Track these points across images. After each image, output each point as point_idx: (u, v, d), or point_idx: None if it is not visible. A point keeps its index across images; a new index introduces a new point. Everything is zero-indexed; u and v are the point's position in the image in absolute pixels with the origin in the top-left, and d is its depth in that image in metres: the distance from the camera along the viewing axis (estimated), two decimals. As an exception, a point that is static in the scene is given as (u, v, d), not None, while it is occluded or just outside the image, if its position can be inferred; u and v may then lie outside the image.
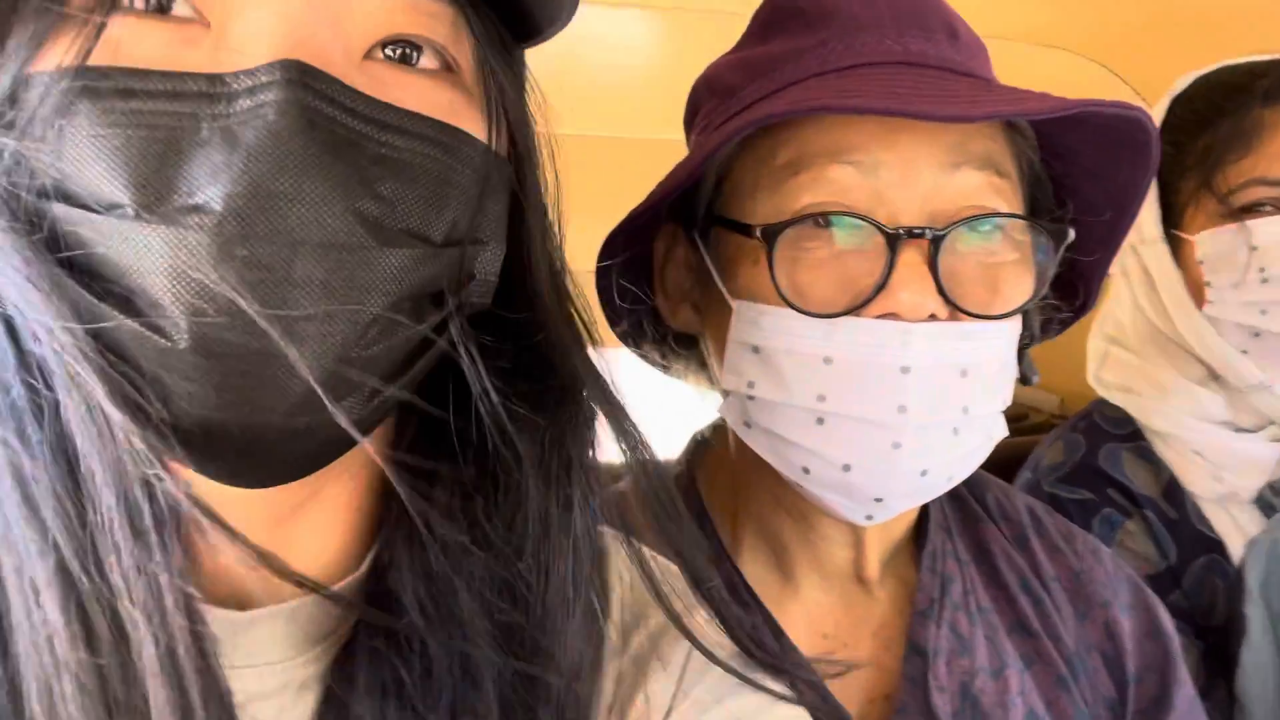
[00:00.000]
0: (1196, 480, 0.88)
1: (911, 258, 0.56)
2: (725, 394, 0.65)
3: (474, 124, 0.38)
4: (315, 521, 0.41)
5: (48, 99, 0.32)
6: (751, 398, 0.61)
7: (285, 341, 0.32)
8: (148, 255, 0.31)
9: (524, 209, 0.41)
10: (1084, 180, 0.64)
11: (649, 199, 0.64)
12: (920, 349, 0.56)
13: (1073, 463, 0.92)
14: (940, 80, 0.59)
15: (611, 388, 0.44)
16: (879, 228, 0.56)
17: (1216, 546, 0.86)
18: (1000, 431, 0.63)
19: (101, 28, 0.33)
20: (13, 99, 0.33)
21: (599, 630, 0.44)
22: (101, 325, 0.32)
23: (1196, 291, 0.89)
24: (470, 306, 0.40)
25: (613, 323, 0.72)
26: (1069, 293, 0.69)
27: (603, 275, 0.68)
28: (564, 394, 0.42)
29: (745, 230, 0.60)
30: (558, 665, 0.40)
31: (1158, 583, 0.85)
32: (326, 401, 0.33)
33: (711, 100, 0.67)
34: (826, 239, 0.58)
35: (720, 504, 0.72)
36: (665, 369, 0.75)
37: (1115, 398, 0.95)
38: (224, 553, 0.37)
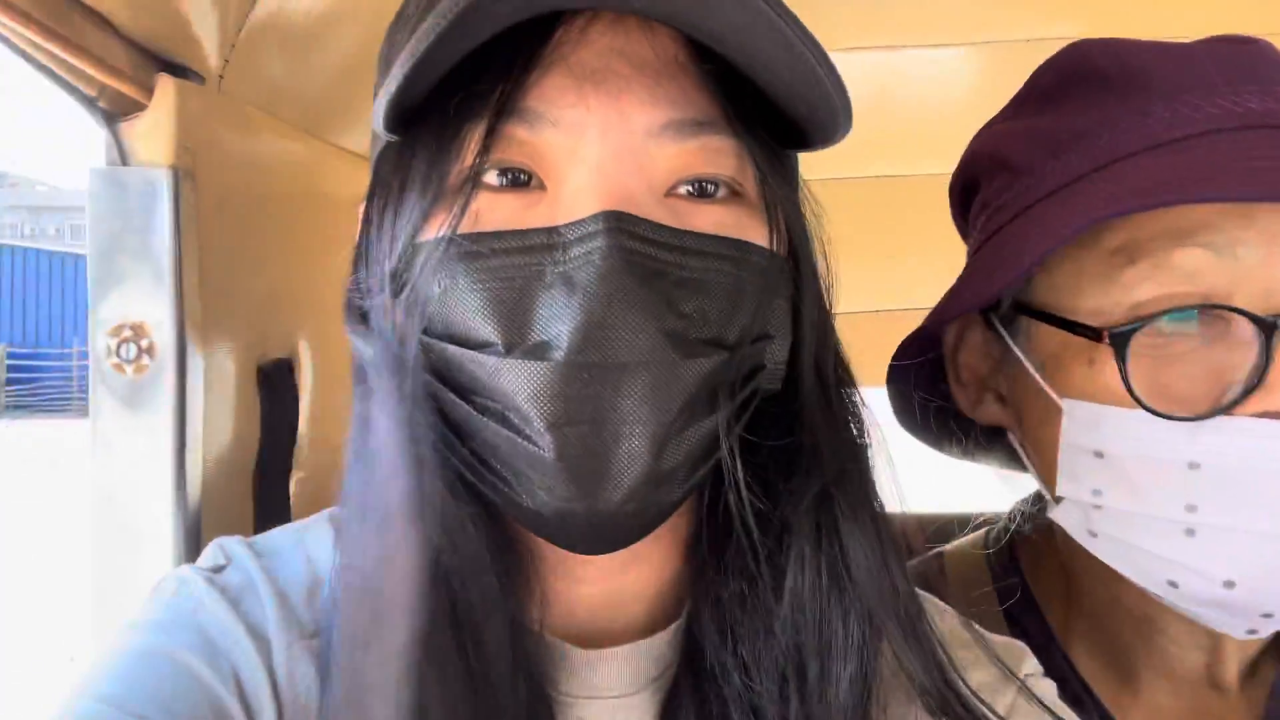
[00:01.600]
0: None
1: None
2: (1059, 499, 0.59)
3: (758, 234, 0.45)
4: (639, 578, 0.49)
5: (432, 261, 0.42)
6: (1098, 506, 0.56)
7: (617, 446, 0.40)
8: (515, 382, 0.41)
9: (800, 300, 0.47)
10: None
11: (953, 301, 0.60)
12: None
13: None
14: None
15: (869, 483, 0.48)
16: (1251, 318, 0.50)
17: None
18: None
19: (468, 204, 0.42)
20: (407, 261, 0.43)
21: (870, 689, 0.47)
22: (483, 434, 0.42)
23: None
24: (763, 392, 0.47)
25: (905, 424, 0.70)
26: None
27: (896, 376, 0.67)
28: (823, 487, 0.47)
29: (1076, 328, 0.55)
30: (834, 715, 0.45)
31: None
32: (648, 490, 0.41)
33: (999, 178, 0.62)
34: (1182, 334, 0.52)
35: (1048, 589, 0.67)
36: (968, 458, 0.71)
37: None
38: (578, 601, 0.48)
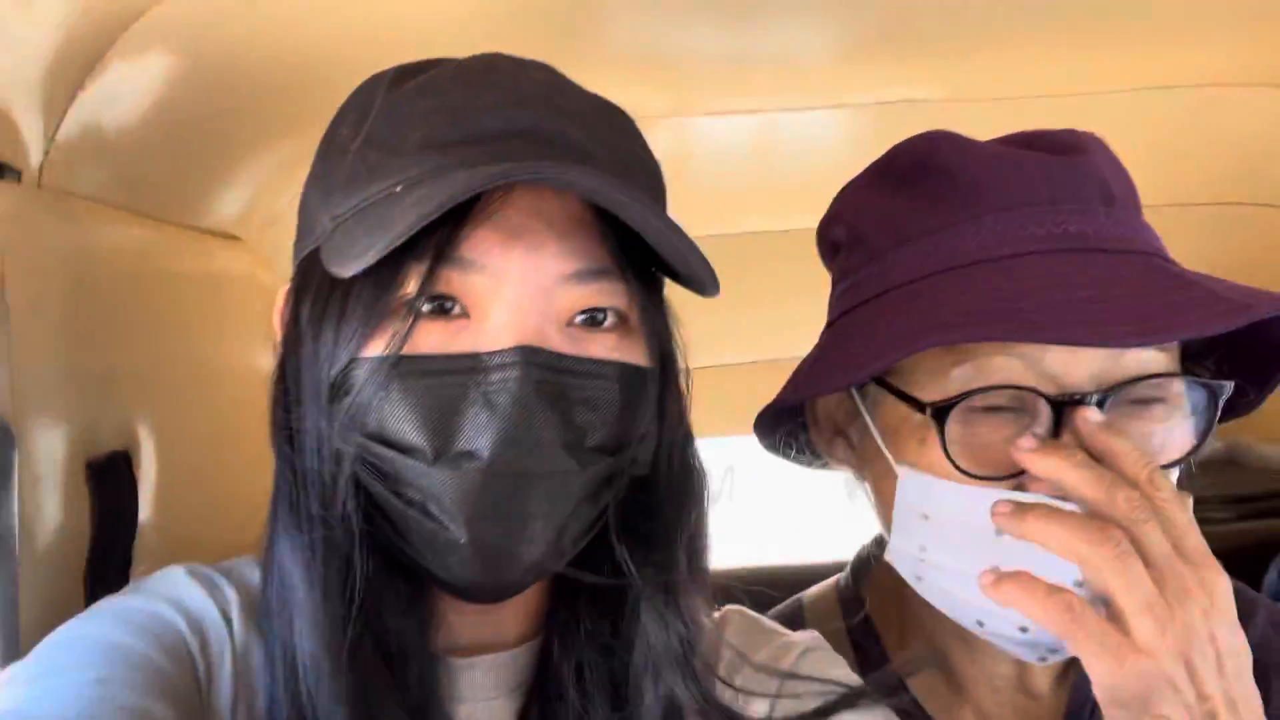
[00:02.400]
0: None
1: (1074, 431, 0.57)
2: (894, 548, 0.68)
3: (639, 353, 0.55)
4: (513, 607, 0.59)
5: (374, 376, 0.50)
6: (923, 560, 0.64)
7: (522, 537, 0.50)
8: (441, 484, 0.50)
9: (665, 399, 0.57)
10: (1242, 334, 0.62)
11: (816, 382, 0.68)
12: None
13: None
14: (1103, 270, 0.59)
15: (699, 553, 0.59)
16: (1045, 396, 0.58)
17: None
18: None
19: (412, 330, 0.50)
20: (346, 374, 0.51)
21: (680, 701, 0.57)
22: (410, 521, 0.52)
23: None
24: (635, 475, 0.57)
25: (765, 442, 0.79)
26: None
27: (759, 427, 0.76)
28: (669, 543, 0.57)
29: (910, 401, 0.63)
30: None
31: None
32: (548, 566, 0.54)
33: (856, 252, 0.70)
34: (992, 412, 0.61)
35: (886, 617, 0.75)
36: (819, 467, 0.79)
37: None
38: (463, 624, 0.58)
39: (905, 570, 0.67)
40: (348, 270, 0.50)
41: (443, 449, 0.49)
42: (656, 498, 0.57)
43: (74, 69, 0.64)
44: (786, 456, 0.81)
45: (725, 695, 0.59)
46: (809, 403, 0.74)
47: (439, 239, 0.50)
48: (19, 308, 0.61)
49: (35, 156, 0.65)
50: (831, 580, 0.82)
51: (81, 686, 0.46)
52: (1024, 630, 0.60)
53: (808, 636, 0.63)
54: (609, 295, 0.53)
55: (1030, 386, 0.59)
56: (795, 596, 0.83)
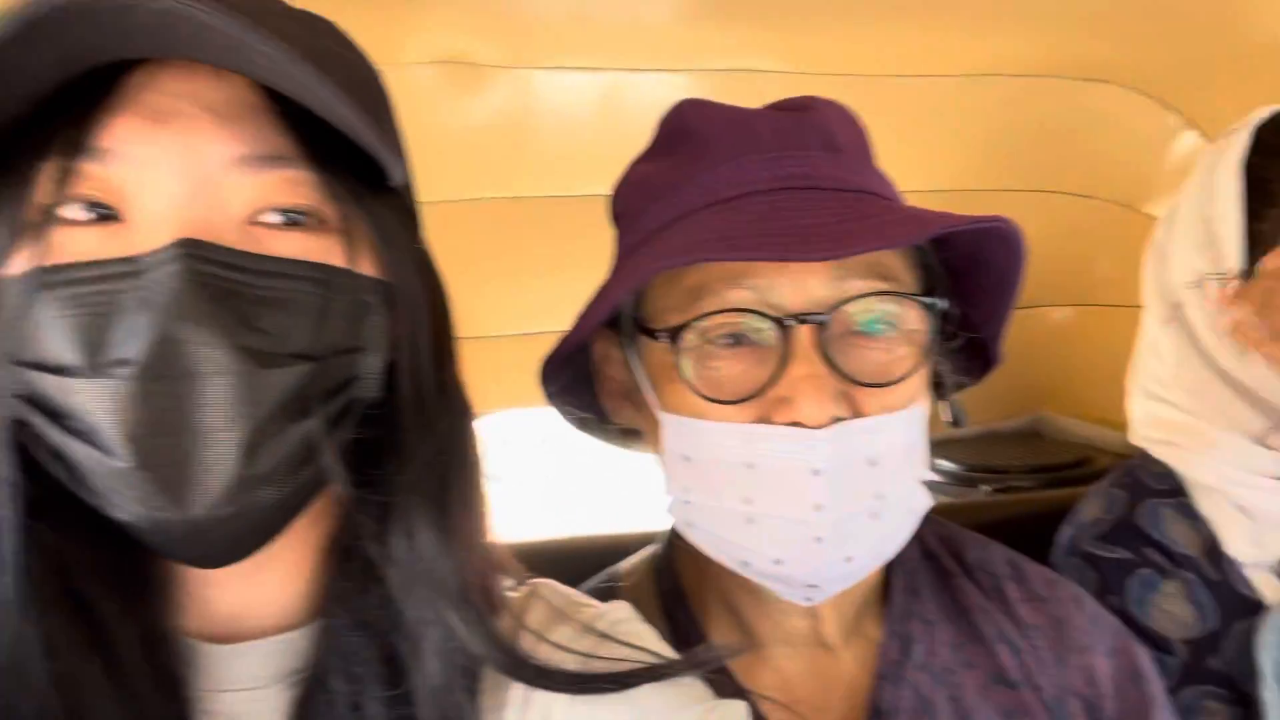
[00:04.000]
0: (1234, 542, 0.85)
1: (805, 367, 0.61)
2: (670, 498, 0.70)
3: (341, 258, 0.49)
4: (275, 581, 0.53)
5: (15, 294, 0.44)
6: (689, 502, 0.67)
7: (199, 454, 0.43)
8: (94, 400, 0.43)
9: (401, 322, 0.51)
10: (968, 264, 0.68)
11: (580, 324, 0.70)
12: (827, 453, 0.61)
13: (1111, 520, 0.90)
14: (817, 203, 0.64)
15: (448, 490, 0.53)
16: (768, 316, 0.62)
17: (1260, 610, 0.82)
18: (922, 503, 0.68)
19: (47, 238, 0.44)
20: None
21: (469, 662, 0.52)
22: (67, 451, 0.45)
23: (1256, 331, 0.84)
24: (360, 399, 0.50)
25: (568, 419, 0.80)
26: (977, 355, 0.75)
27: (549, 387, 0.76)
28: (418, 475, 0.52)
29: (653, 334, 0.66)
30: (422, 703, 0.51)
31: (1197, 646, 0.82)
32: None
33: (623, 221, 0.74)
34: (733, 349, 0.64)
35: (693, 582, 0.76)
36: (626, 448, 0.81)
37: (1158, 451, 0.92)
38: (215, 603, 0.51)
39: (679, 519, 0.70)
40: None
41: (96, 360, 0.43)
42: (399, 422, 0.52)
43: None
44: (593, 431, 0.82)
45: (538, 649, 0.55)
46: (598, 369, 0.76)
47: (70, 130, 0.44)
48: None
49: None
50: (648, 550, 0.83)
51: None
52: (779, 563, 0.64)
53: (619, 607, 0.61)
54: (294, 189, 0.47)
55: (750, 308, 0.62)
56: (609, 569, 0.84)
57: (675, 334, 0.64)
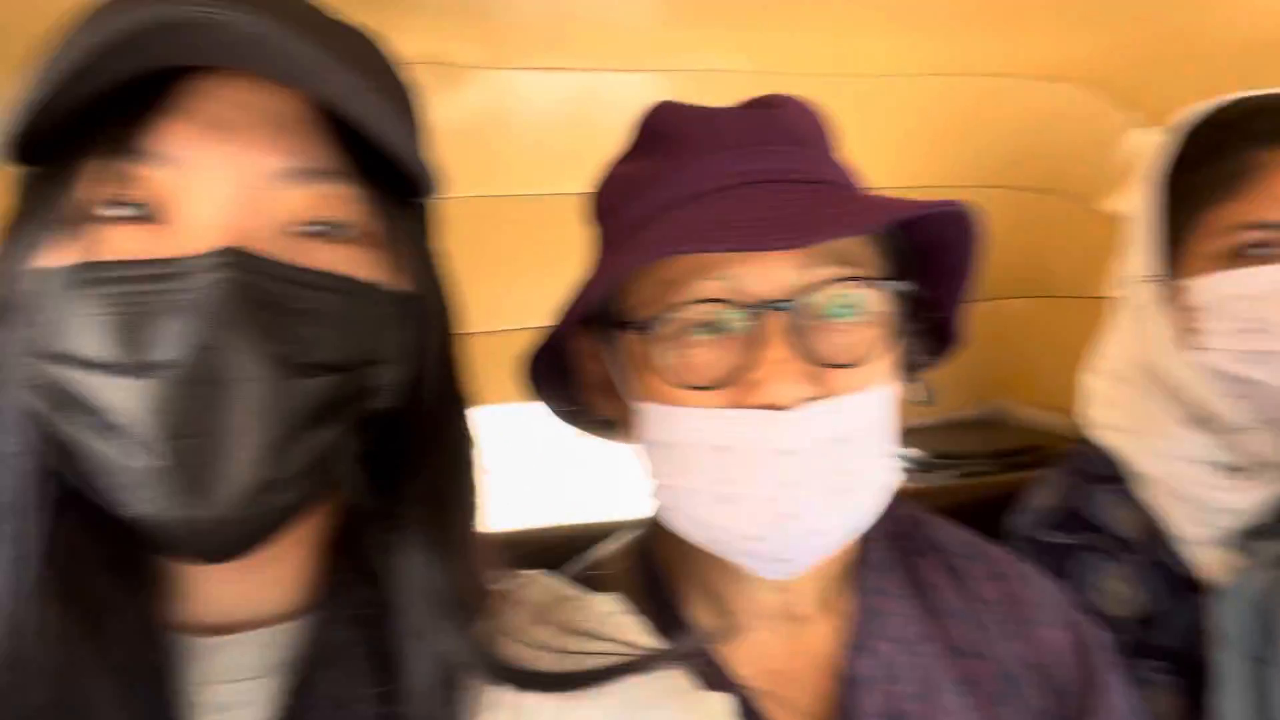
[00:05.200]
0: (1178, 522, 0.89)
1: (775, 351, 0.64)
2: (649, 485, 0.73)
3: (376, 272, 0.50)
4: (274, 575, 0.53)
5: (51, 288, 0.45)
6: (668, 487, 0.70)
7: (226, 456, 0.44)
8: (129, 398, 0.44)
9: (421, 332, 0.53)
10: (932, 248, 0.72)
11: (560, 321, 0.72)
12: (797, 433, 0.64)
13: (1054, 506, 0.95)
14: (783, 195, 0.66)
15: (450, 497, 0.54)
16: (738, 304, 0.64)
17: (1200, 589, 0.87)
18: (892, 479, 0.71)
19: (86, 234, 0.45)
20: (21, 289, 0.46)
21: (456, 685, 0.53)
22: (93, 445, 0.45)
23: (1187, 332, 0.88)
24: (378, 409, 0.52)
25: (553, 411, 0.83)
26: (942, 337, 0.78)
27: (529, 382, 0.79)
28: (426, 486, 0.54)
29: (627, 326, 0.69)
30: (414, 702, 0.51)
31: (1143, 624, 0.87)
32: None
33: (603, 216, 0.77)
34: (705, 337, 0.66)
35: (672, 565, 0.80)
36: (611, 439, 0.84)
37: (1101, 436, 0.97)
38: (214, 597, 0.52)
39: (660, 504, 0.73)
40: (6, 152, 0.46)
41: (133, 360, 0.44)
42: (412, 436, 0.53)
43: None
44: (575, 424, 0.85)
45: (520, 653, 0.55)
46: (578, 364, 0.78)
47: (121, 130, 0.45)
48: None
49: None
50: (628, 535, 0.86)
51: None
52: (752, 539, 0.66)
53: (610, 600, 0.62)
54: (338, 203, 0.49)
55: (721, 298, 0.65)
56: (590, 554, 0.86)
57: (648, 325, 0.67)
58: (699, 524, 0.69)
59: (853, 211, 0.65)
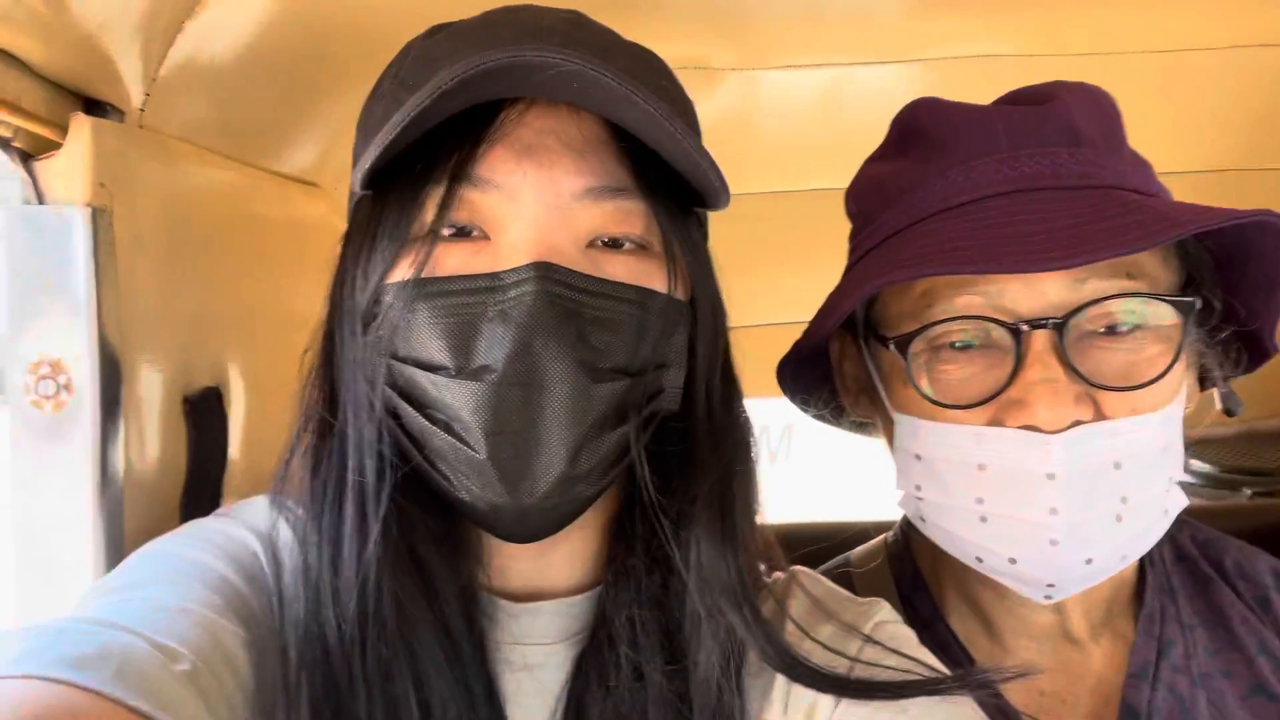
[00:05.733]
0: None
1: (1039, 371, 0.60)
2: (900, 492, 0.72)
3: (661, 280, 0.55)
4: (566, 553, 0.60)
5: (400, 299, 0.52)
6: (920, 499, 0.68)
7: (538, 452, 0.50)
8: (460, 398, 0.51)
9: (696, 336, 0.57)
10: (1235, 252, 0.64)
11: (811, 330, 0.72)
12: (1062, 458, 0.60)
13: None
14: (1054, 205, 0.62)
15: (733, 489, 0.57)
16: (1000, 322, 0.61)
17: None
18: (1177, 504, 0.65)
19: (430, 254, 0.52)
20: (376, 301, 0.54)
21: (739, 649, 0.56)
22: (431, 439, 0.53)
23: None
24: (663, 410, 0.57)
25: (805, 411, 0.84)
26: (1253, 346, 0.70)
27: (786, 384, 0.79)
28: (698, 489, 0.56)
29: (884, 340, 0.68)
30: (697, 680, 0.55)
31: None
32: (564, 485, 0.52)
33: (857, 219, 0.75)
34: (965, 353, 0.64)
35: (929, 570, 0.78)
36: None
37: None
38: (513, 569, 0.59)
39: (911, 513, 0.72)
40: (359, 183, 0.53)
41: (463, 364, 0.51)
42: (694, 435, 0.57)
43: (173, 10, 0.67)
44: (832, 422, 0.85)
45: (805, 646, 0.57)
46: (836, 365, 0.78)
47: (455, 161, 0.51)
48: (124, 243, 0.66)
49: (137, 97, 0.69)
50: (880, 538, 0.84)
51: (158, 600, 0.50)
52: (1013, 562, 0.63)
53: (880, 607, 0.61)
54: (628, 217, 0.54)
55: (981, 315, 0.62)
56: (843, 555, 0.85)
57: (904, 343, 0.65)
58: (958, 541, 0.67)
59: (1131, 225, 0.59)
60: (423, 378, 0.52)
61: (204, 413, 0.74)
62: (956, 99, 0.75)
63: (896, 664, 0.55)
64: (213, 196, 0.80)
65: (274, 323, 0.88)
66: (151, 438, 0.69)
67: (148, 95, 0.70)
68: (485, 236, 0.53)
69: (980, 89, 0.76)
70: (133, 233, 0.67)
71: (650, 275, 0.54)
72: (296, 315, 0.93)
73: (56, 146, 0.63)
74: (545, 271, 0.50)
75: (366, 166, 0.52)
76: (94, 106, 0.66)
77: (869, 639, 0.58)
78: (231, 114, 0.80)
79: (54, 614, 0.62)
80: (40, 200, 0.63)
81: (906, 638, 0.59)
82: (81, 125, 0.63)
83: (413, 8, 0.76)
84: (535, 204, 0.52)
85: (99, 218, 0.63)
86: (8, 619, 0.63)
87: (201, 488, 0.75)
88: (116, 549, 0.65)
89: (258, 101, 0.82)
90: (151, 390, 0.69)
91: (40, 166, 0.63)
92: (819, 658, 0.56)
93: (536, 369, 0.49)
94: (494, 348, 0.50)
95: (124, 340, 0.65)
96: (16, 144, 0.62)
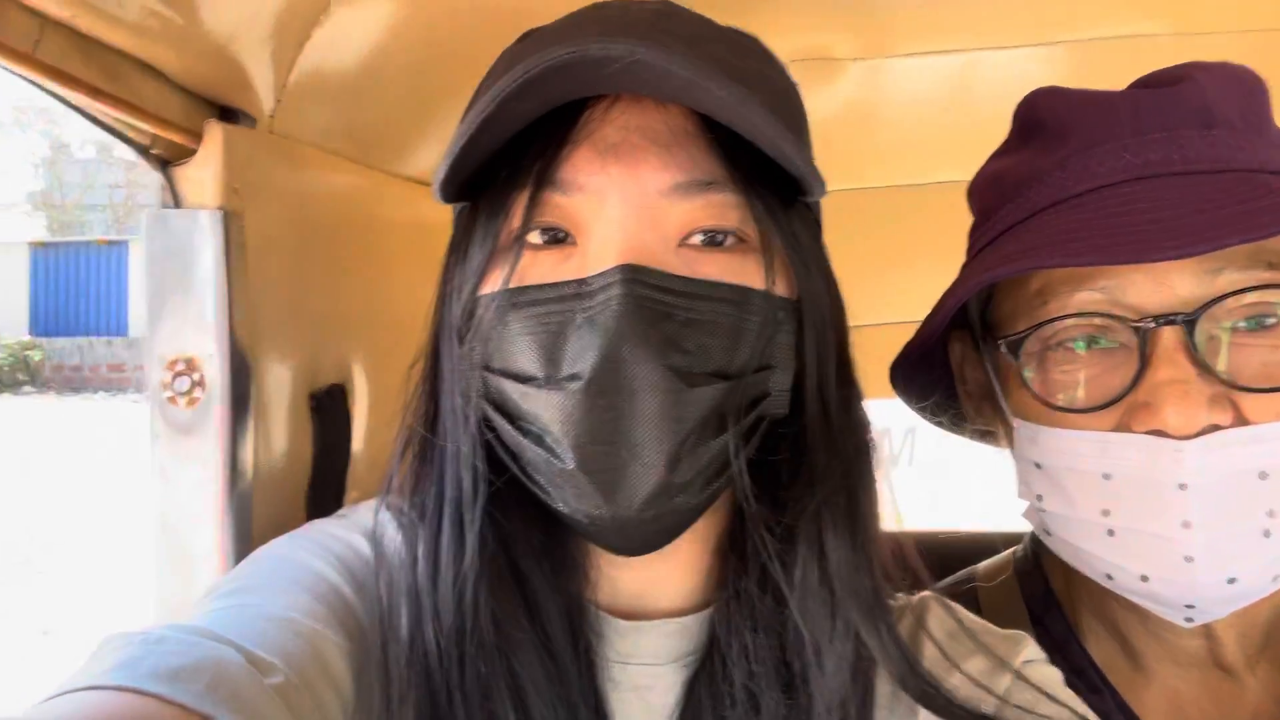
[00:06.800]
0: None
1: (1168, 371, 0.55)
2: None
3: (759, 278, 0.51)
4: (674, 569, 0.57)
5: (489, 312, 0.51)
6: (1043, 510, 0.64)
7: (632, 462, 0.48)
8: (548, 409, 0.49)
9: (803, 335, 0.53)
10: None
11: (922, 330, 0.69)
12: (1195, 466, 0.54)
13: None
14: (1181, 191, 0.57)
15: (858, 498, 0.54)
16: (1121, 319, 0.57)
17: None
18: None
19: (517, 262, 0.50)
20: (470, 313, 0.53)
21: (866, 681, 0.53)
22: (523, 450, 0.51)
23: None
24: (770, 415, 0.53)
25: (923, 416, 0.80)
26: None
27: (898, 384, 0.76)
28: (818, 500, 0.53)
29: (997, 340, 0.64)
30: (817, 713, 0.52)
31: None
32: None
33: (979, 216, 0.72)
34: (1081, 352, 0.60)
35: (1061, 588, 0.72)
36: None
37: None
38: (621, 584, 0.56)
39: (1035, 525, 0.67)
40: (439, 193, 0.52)
41: (552, 373, 0.49)
42: (808, 441, 0.53)
43: (302, 19, 0.69)
44: (953, 429, 0.81)
45: (953, 680, 0.54)
46: (957, 370, 0.74)
47: (539, 165, 0.49)
48: (254, 246, 0.68)
49: (267, 103, 0.71)
50: (1008, 552, 0.80)
51: (263, 608, 0.49)
52: (1145, 580, 0.59)
53: (1027, 644, 0.57)
54: (723, 211, 0.51)
55: (1100, 311, 0.58)
56: (968, 569, 0.81)
57: (1016, 344, 0.61)
58: (1085, 556, 0.63)
59: (1270, 208, 0.54)
60: (514, 389, 0.51)
61: (329, 409, 0.76)
62: (1100, 87, 0.69)
63: (1052, 713, 0.51)
64: (339, 199, 0.82)
65: (396, 321, 0.89)
66: (279, 433, 0.71)
67: (278, 102, 0.72)
68: (574, 242, 0.51)
69: (1127, 74, 0.71)
70: (262, 235, 0.69)
71: (748, 272, 0.51)
72: (419, 314, 0.94)
73: (192, 153, 0.66)
74: (632, 274, 0.48)
75: (440, 179, 0.50)
76: (227, 114, 0.69)
77: (1019, 675, 0.54)
78: (357, 118, 0.82)
79: (187, 607, 0.65)
80: (176, 204, 0.66)
81: (1054, 680, 0.55)
82: (215, 132, 0.66)
83: (534, 9, 0.76)
84: (621, 204, 0.49)
85: (231, 221, 0.66)
86: (149, 612, 0.67)
87: (326, 482, 0.77)
88: (245, 542, 0.67)
89: (382, 106, 0.84)
90: (279, 387, 0.71)
91: (176, 172, 0.66)
92: (964, 694, 0.52)
93: (625, 376, 0.47)
94: (581, 356, 0.48)
95: (253, 338, 0.68)
96: (155, 150, 0.65)
